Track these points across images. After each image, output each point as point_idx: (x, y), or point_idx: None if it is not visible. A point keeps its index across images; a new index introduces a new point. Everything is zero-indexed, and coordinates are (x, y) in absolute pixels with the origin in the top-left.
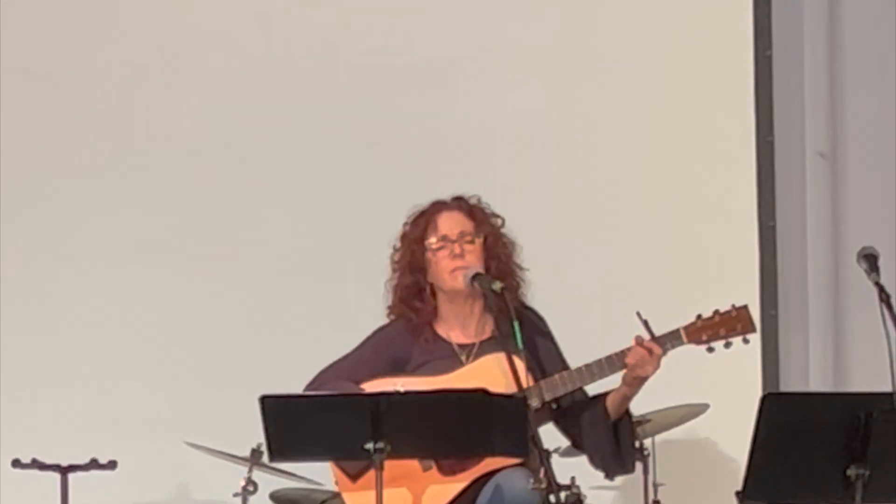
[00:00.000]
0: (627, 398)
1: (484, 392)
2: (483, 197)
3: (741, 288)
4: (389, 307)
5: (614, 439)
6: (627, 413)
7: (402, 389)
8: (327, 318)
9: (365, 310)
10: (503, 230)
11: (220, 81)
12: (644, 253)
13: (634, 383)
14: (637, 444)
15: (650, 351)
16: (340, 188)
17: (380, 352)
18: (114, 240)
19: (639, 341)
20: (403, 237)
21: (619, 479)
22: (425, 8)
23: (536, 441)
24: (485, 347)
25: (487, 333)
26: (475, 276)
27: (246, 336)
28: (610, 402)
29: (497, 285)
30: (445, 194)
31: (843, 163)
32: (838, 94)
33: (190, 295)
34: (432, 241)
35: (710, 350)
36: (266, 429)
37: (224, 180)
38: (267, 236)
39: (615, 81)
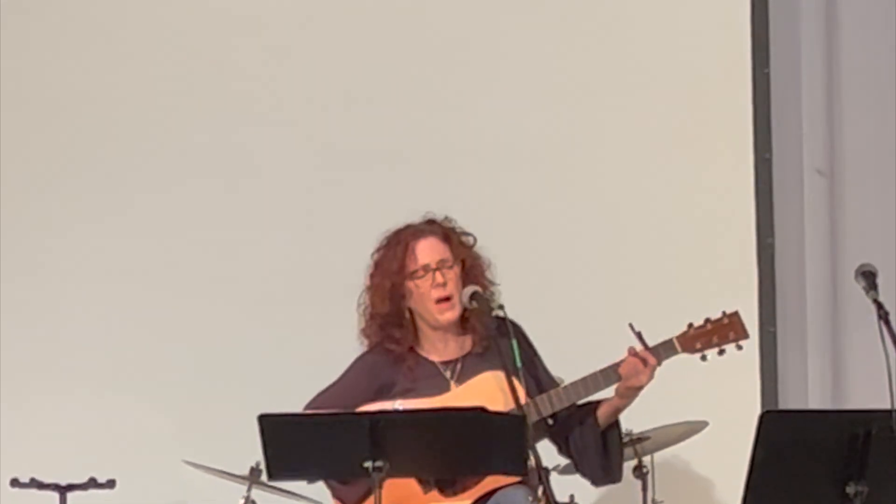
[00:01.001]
0: (619, 409)
1: (482, 410)
2: (481, 213)
3: (740, 304)
4: (364, 331)
5: (602, 448)
6: (617, 423)
7: (400, 408)
8: (327, 338)
9: None
10: (474, 248)
11: (210, 106)
12: (643, 269)
13: (628, 394)
14: (637, 461)
15: (644, 361)
16: (336, 209)
17: (368, 376)
18: (112, 259)
19: (632, 352)
20: (379, 264)
21: (618, 497)
22: (421, 23)
23: (535, 459)
24: (469, 362)
25: (468, 348)
26: (473, 295)
27: (245, 355)
28: (601, 413)
29: (496, 303)
30: (439, 212)
31: (841, 180)
32: (836, 112)
33: (189, 314)
34: (413, 270)
35: (704, 359)
36: (265, 447)
37: (220, 201)
38: (266, 254)
39: (613, 98)
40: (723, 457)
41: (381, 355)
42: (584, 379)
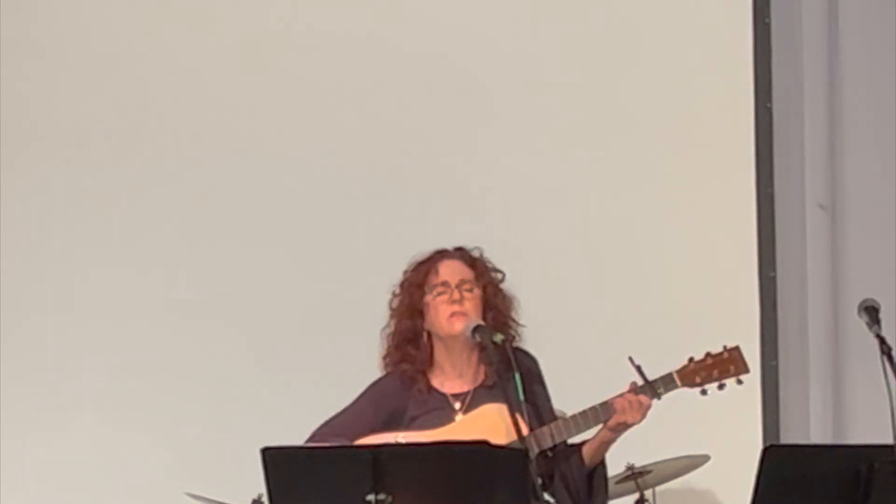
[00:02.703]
0: (606, 444)
1: (485, 443)
2: (485, 248)
3: (742, 338)
4: (384, 356)
5: (587, 487)
6: (602, 463)
7: (403, 441)
8: (329, 370)
9: (367, 362)
10: (502, 285)
11: (222, 130)
12: (645, 303)
13: (618, 429)
14: (638, 495)
15: (639, 402)
16: (342, 241)
17: (375, 406)
18: (115, 293)
19: (632, 388)
20: (403, 283)
21: None
22: (430, 58)
23: (537, 492)
24: (479, 394)
25: (481, 380)
26: (476, 329)
27: (247, 387)
28: (587, 448)
29: (498, 337)
30: (448, 244)
31: (842, 215)
32: (838, 147)
33: (191, 346)
34: (432, 285)
35: (704, 393)
36: (267, 480)
37: (225, 233)
38: (268, 287)
39: (616, 134)
40: (724, 491)
41: (392, 381)
42: (583, 412)
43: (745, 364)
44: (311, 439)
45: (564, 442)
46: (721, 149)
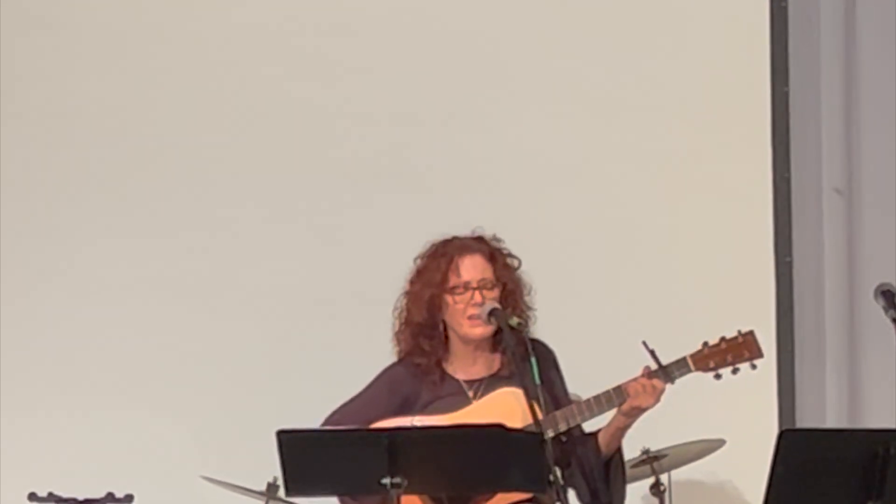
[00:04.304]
0: (621, 430)
1: (501, 427)
2: (497, 231)
3: (758, 323)
4: (397, 335)
5: (604, 476)
6: (619, 450)
7: (418, 424)
8: (344, 353)
9: (382, 344)
10: (518, 272)
11: (233, 117)
12: (660, 289)
13: (632, 413)
14: (654, 479)
15: (652, 385)
16: (358, 222)
17: (389, 392)
18: (131, 273)
19: (646, 372)
20: (421, 273)
21: None
22: (442, 43)
23: (553, 475)
24: (492, 382)
25: (495, 369)
26: (492, 312)
27: (262, 370)
28: (603, 435)
29: (514, 321)
30: (460, 229)
31: (859, 199)
32: (854, 132)
33: (207, 328)
34: (454, 286)
35: (718, 377)
36: (282, 463)
37: (241, 213)
38: (284, 270)
39: (632, 119)
40: (740, 475)
41: (406, 368)
42: (596, 396)
43: (759, 349)
44: (324, 424)
45: (580, 429)
46: (737, 133)
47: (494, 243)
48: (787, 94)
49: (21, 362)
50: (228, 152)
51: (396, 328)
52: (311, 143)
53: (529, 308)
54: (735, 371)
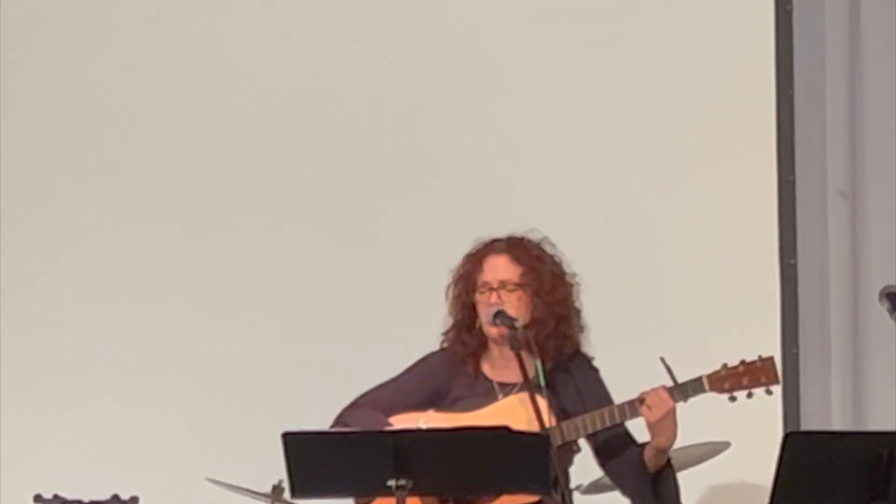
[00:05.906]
0: (659, 451)
1: (506, 429)
2: (497, 231)
3: (762, 326)
4: (446, 333)
5: (652, 493)
6: (669, 465)
7: (423, 426)
8: (353, 355)
9: (394, 348)
10: (557, 273)
11: (234, 117)
12: (665, 291)
13: (658, 455)
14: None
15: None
16: (371, 223)
17: (422, 381)
18: (138, 273)
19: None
20: (458, 271)
21: None
22: (456, 44)
23: (558, 480)
24: (524, 388)
25: (534, 375)
26: (497, 314)
27: (268, 372)
28: (646, 453)
29: (519, 323)
30: (476, 230)
31: (863, 202)
32: (859, 135)
33: (214, 330)
34: (477, 283)
35: (733, 399)
36: (288, 465)
37: (253, 215)
38: (293, 271)
39: (638, 121)
40: (745, 477)
41: (444, 358)
42: (610, 408)
43: (776, 375)
44: (348, 409)
45: (625, 436)
46: (742, 136)
47: (527, 244)
48: (791, 98)
49: (26, 364)
50: (231, 152)
51: (446, 328)
52: (312, 143)
53: (576, 310)
54: (750, 395)
